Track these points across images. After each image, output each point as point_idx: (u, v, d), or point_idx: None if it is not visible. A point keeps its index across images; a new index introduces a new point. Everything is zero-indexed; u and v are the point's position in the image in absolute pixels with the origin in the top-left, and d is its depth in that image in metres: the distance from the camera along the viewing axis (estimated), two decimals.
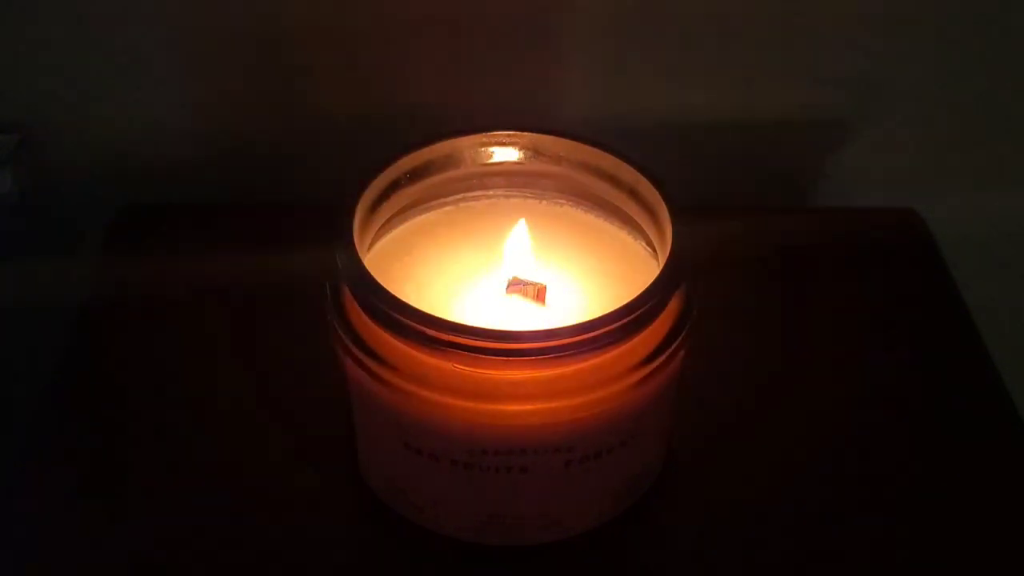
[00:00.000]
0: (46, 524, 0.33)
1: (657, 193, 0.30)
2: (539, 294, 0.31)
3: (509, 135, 0.32)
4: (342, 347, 0.29)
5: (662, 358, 0.28)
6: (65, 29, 0.42)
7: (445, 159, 0.32)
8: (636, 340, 0.28)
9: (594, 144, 0.32)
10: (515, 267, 0.31)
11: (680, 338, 0.29)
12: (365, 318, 0.28)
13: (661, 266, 0.29)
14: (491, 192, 0.34)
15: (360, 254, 0.29)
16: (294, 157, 0.46)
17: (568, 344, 0.27)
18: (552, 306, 0.31)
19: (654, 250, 0.31)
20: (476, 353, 0.27)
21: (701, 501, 0.34)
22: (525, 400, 0.27)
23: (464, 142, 0.32)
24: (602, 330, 0.27)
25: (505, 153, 0.33)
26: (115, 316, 0.39)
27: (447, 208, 0.34)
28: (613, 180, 0.32)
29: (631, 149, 0.32)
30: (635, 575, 0.33)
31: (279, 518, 0.33)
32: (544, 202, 0.34)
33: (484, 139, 0.32)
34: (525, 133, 0.32)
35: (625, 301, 0.27)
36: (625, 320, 0.27)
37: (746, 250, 0.40)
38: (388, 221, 0.32)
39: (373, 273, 0.28)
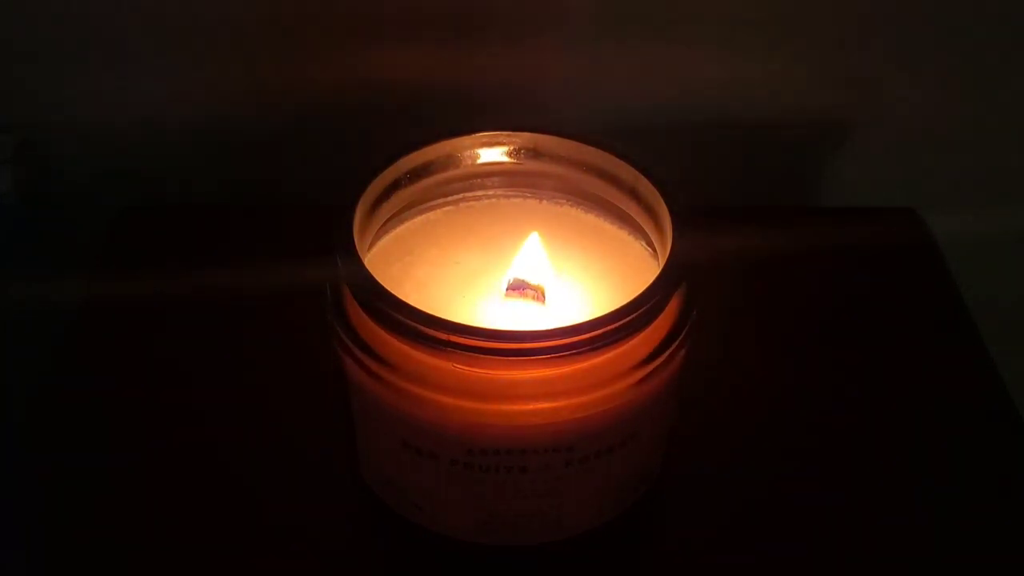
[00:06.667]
0: (44, 526, 0.33)
1: (657, 193, 0.30)
2: (539, 294, 0.31)
3: (509, 135, 0.32)
4: (342, 347, 0.29)
5: (662, 358, 0.28)
6: (65, 29, 0.42)
7: (445, 159, 0.32)
8: (636, 340, 0.28)
9: (594, 144, 0.32)
10: (520, 271, 0.31)
11: (680, 338, 0.29)
12: (365, 318, 0.28)
13: (661, 266, 0.29)
14: (491, 192, 0.34)
15: (360, 254, 0.29)
16: (294, 157, 0.46)
17: (568, 344, 0.27)
18: (552, 306, 0.31)
19: (654, 250, 0.31)
20: (476, 353, 0.27)
21: (701, 501, 0.34)
22: (525, 400, 0.27)
23: (464, 142, 0.32)
24: (602, 330, 0.27)
25: (505, 153, 0.33)
26: (114, 316, 0.39)
27: (447, 208, 0.34)
28: (613, 180, 0.32)
29: (631, 149, 0.32)
30: (635, 575, 0.33)
31: (279, 518, 0.33)
32: (544, 202, 0.34)
33: (484, 139, 0.32)
34: (525, 133, 0.32)
35: (625, 301, 0.27)
36: (625, 320, 0.27)
37: (746, 250, 0.40)
38: (388, 221, 0.32)
39: (373, 273, 0.28)
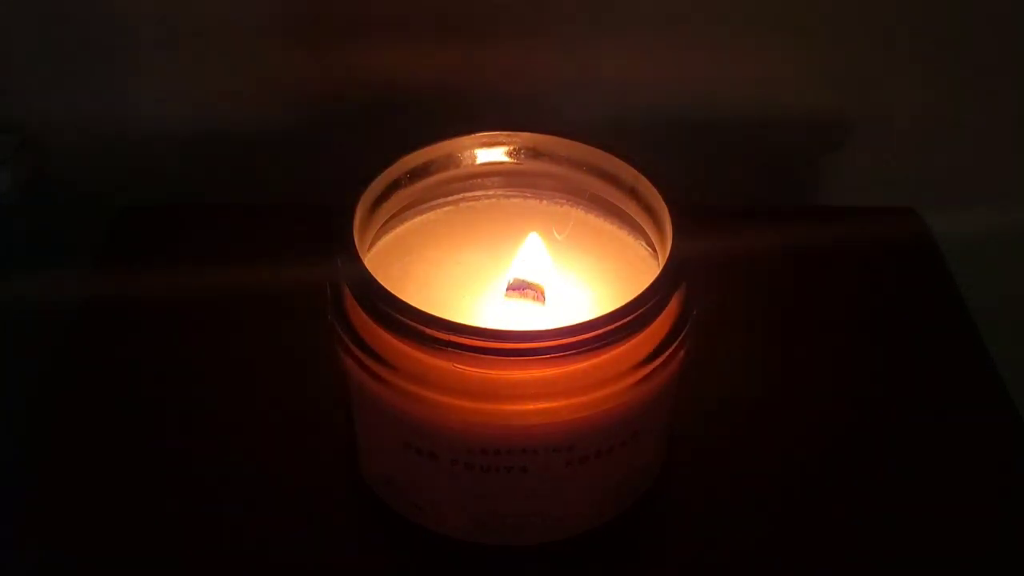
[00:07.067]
0: (44, 526, 0.33)
1: (657, 193, 0.30)
2: (539, 294, 0.31)
3: (509, 135, 0.32)
4: (342, 347, 0.29)
5: (662, 358, 0.28)
6: (65, 29, 0.42)
7: (445, 159, 0.32)
8: (636, 340, 0.28)
9: (594, 144, 0.32)
10: (520, 270, 0.31)
11: (680, 338, 0.29)
12: (365, 318, 0.28)
13: (661, 266, 0.29)
14: (491, 192, 0.34)
15: (360, 254, 0.29)
16: (295, 157, 0.46)
17: (568, 344, 0.27)
18: (552, 306, 0.31)
19: (654, 250, 0.31)
20: (476, 353, 0.27)
21: (701, 501, 0.34)
22: (525, 400, 0.27)
23: (464, 142, 0.32)
24: (602, 330, 0.27)
25: (505, 153, 0.33)
26: (115, 317, 0.39)
27: (447, 208, 0.34)
28: (613, 180, 0.32)
29: (631, 149, 0.32)
30: (635, 575, 0.33)
31: (279, 518, 0.33)
32: (544, 202, 0.34)
33: (484, 139, 0.32)
34: (525, 133, 0.32)
35: (625, 301, 0.27)
36: (625, 320, 0.27)
37: (746, 250, 0.40)
38: (388, 221, 0.32)
39: (373, 273, 0.28)
